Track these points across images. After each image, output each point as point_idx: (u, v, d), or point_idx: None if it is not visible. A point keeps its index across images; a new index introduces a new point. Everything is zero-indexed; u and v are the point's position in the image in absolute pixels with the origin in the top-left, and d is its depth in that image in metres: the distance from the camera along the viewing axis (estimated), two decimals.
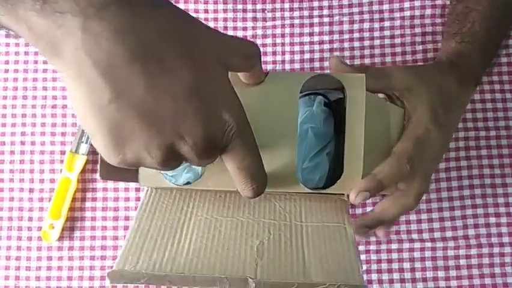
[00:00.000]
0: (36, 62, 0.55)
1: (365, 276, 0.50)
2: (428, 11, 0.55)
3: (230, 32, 0.55)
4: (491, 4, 0.47)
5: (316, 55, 0.55)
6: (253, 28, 0.55)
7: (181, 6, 0.56)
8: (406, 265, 0.51)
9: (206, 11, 0.56)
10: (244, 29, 0.55)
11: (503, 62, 0.54)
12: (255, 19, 0.56)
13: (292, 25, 0.55)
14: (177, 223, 0.36)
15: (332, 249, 0.34)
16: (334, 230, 0.35)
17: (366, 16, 0.55)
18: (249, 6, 0.56)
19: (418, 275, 0.50)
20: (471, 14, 0.47)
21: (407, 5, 0.55)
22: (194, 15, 0.56)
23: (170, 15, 0.26)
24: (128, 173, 0.39)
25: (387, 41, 0.55)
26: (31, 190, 0.53)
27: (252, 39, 0.55)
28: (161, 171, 0.39)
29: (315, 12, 0.56)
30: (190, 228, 0.35)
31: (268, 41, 0.55)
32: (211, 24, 0.55)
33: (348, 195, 0.38)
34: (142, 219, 0.36)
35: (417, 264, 0.50)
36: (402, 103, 0.41)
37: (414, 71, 0.43)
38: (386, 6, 0.56)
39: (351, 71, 0.40)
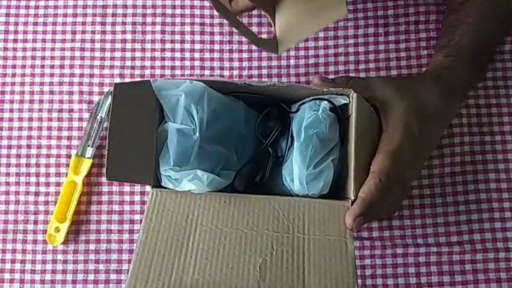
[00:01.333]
0: (43, 66, 0.55)
1: (369, 281, 0.50)
2: (433, 16, 0.54)
3: (236, 36, 0.55)
4: (482, 18, 0.46)
5: (321, 60, 0.54)
6: (259, 33, 0.55)
7: (188, 9, 0.56)
8: (411, 270, 0.50)
9: (212, 16, 0.56)
10: None
11: (509, 67, 0.53)
12: (260, 24, 0.56)
13: None
14: (183, 235, 0.36)
15: (331, 268, 0.35)
16: (335, 245, 0.36)
17: (371, 21, 0.55)
18: (255, 11, 0.56)
19: (423, 279, 0.50)
20: (460, 27, 0.47)
21: (411, 10, 0.55)
22: (199, 20, 0.56)
23: None
24: (133, 174, 0.39)
25: (392, 46, 0.54)
26: (37, 193, 0.53)
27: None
28: (164, 173, 0.39)
29: None
30: (196, 241, 0.36)
31: None
32: (216, 28, 0.56)
33: (352, 202, 0.38)
34: (149, 230, 0.36)
35: (423, 269, 0.50)
36: (379, 114, 0.42)
37: (396, 83, 0.44)
38: (390, 12, 0.55)
39: (334, 86, 0.41)
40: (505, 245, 0.50)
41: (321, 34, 0.55)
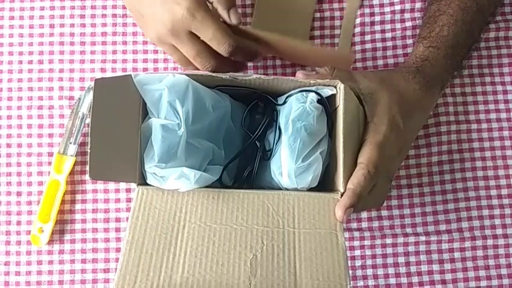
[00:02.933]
0: (21, 62, 0.53)
1: (359, 272, 0.50)
2: (418, 5, 0.53)
3: None
4: (462, 8, 0.46)
5: None
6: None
7: None
8: (401, 259, 0.49)
9: None
10: None
11: (494, 55, 0.53)
12: (245, 15, 0.54)
13: None
14: (171, 233, 0.35)
15: (322, 261, 0.34)
16: (326, 238, 0.35)
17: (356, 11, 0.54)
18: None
19: (413, 269, 0.49)
20: (441, 18, 0.47)
21: None
22: None
23: None
24: (118, 172, 0.37)
25: (378, 36, 0.53)
26: (19, 193, 0.51)
27: None
28: (149, 170, 0.38)
29: None
30: (184, 239, 0.35)
31: None
32: None
33: (341, 194, 0.38)
34: (136, 229, 0.35)
35: (412, 258, 0.49)
36: (363, 105, 0.42)
37: (379, 76, 0.44)
38: (376, 1, 0.54)
39: (319, 77, 0.41)
40: (493, 232, 0.50)
41: None
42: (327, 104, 0.40)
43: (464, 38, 0.47)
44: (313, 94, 0.39)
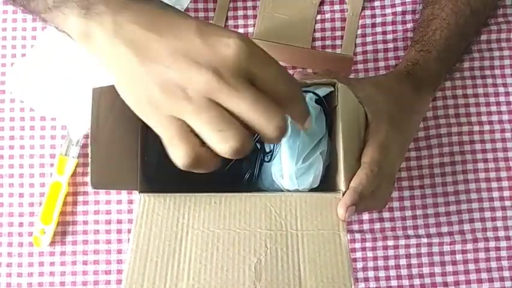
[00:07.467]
0: None
1: (361, 274, 0.49)
2: (420, 7, 0.53)
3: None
4: (456, 12, 0.45)
5: None
6: (245, 26, 0.54)
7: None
8: (402, 261, 0.49)
9: (196, 10, 0.54)
10: (236, 27, 0.54)
11: (495, 56, 0.52)
12: (246, 17, 0.54)
13: None
14: (175, 240, 0.34)
15: (326, 262, 0.34)
16: (329, 238, 0.35)
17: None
18: (239, 4, 0.54)
19: (415, 271, 0.48)
20: (434, 22, 0.46)
21: (398, 0, 0.54)
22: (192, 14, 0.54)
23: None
24: (119, 181, 0.37)
25: (379, 37, 0.53)
26: (21, 195, 0.50)
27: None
28: None
29: None
30: (188, 246, 0.34)
31: None
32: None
33: (343, 194, 0.37)
34: (140, 237, 0.34)
35: (414, 260, 0.48)
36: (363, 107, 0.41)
37: (372, 81, 0.44)
38: (377, 3, 0.53)
39: (317, 78, 0.40)
40: (495, 234, 0.49)
41: None
42: (325, 104, 0.39)
43: (457, 42, 0.46)
44: (310, 94, 0.39)
